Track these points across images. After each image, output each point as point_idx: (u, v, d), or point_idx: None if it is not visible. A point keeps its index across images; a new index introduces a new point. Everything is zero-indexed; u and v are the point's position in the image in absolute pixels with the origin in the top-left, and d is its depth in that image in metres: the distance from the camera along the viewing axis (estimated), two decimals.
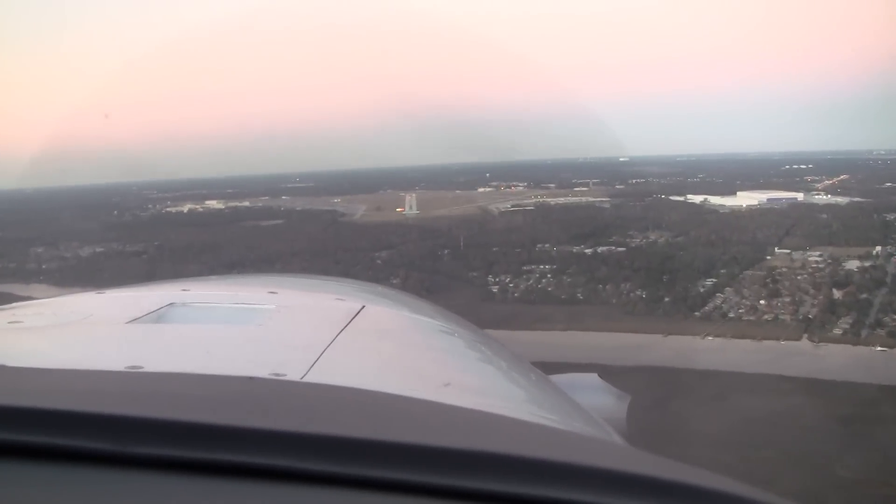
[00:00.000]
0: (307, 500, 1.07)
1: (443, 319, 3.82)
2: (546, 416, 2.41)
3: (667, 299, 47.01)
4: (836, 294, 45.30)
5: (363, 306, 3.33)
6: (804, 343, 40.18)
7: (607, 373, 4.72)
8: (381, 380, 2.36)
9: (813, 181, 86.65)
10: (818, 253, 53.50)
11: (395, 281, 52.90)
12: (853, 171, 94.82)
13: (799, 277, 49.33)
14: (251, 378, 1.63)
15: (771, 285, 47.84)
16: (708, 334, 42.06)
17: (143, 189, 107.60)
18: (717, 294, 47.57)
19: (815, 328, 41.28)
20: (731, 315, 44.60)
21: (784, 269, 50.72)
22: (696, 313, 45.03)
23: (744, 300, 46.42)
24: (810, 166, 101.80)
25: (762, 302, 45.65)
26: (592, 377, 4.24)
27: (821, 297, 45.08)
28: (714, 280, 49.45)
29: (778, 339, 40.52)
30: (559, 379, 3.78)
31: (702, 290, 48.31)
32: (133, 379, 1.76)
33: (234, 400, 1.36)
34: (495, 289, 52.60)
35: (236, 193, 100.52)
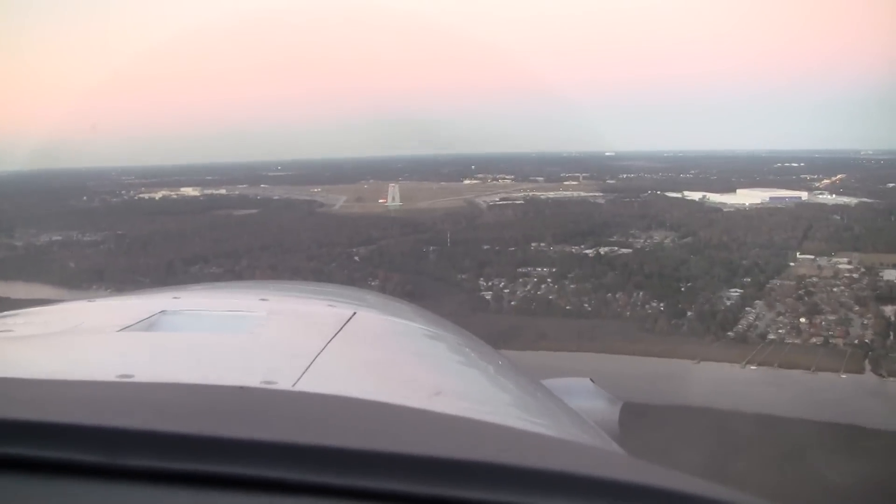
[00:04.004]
0: None
1: (435, 326, 3.53)
2: (539, 423, 2.34)
3: (689, 314, 37.85)
4: (888, 312, 36.26)
5: (354, 313, 3.10)
6: (869, 377, 31.25)
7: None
8: (373, 388, 2.21)
9: (811, 180, 78.30)
10: (846, 260, 45.53)
11: (373, 283, 43.35)
12: (847, 170, 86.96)
13: (835, 289, 40.62)
14: (242, 388, 1.57)
15: (806, 299, 39.06)
16: (749, 362, 32.78)
17: (121, 174, 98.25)
18: (748, 308, 38.53)
19: (878, 357, 32.26)
20: (772, 337, 35.43)
21: (815, 279, 42.19)
22: (730, 333, 35.95)
23: (781, 317, 37.49)
24: (802, 164, 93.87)
25: (803, 320, 36.60)
26: (585, 381, 3.91)
27: (870, 315, 36.21)
28: (740, 291, 40.43)
29: (836, 370, 31.33)
30: (552, 384, 3.52)
31: (728, 302, 39.39)
32: (124, 389, 1.65)
33: (224, 410, 1.30)
34: (488, 295, 43.40)
35: (215, 181, 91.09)
